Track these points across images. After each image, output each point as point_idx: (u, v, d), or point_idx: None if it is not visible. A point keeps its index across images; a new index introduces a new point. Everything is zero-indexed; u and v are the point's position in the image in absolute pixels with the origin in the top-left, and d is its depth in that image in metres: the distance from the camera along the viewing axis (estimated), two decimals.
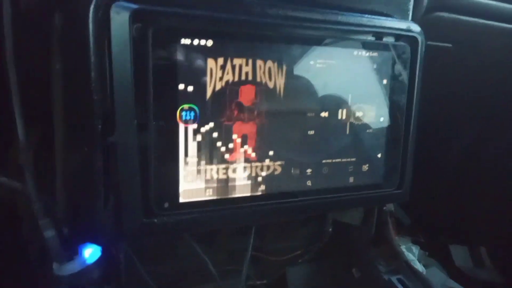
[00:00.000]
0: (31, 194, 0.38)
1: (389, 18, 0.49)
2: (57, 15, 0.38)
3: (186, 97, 0.38)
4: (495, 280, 1.08)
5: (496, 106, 0.98)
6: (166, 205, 0.38)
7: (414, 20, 0.57)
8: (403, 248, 0.89)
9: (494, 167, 1.08)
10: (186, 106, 0.38)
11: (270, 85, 0.41)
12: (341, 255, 0.58)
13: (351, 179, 0.47)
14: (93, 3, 0.34)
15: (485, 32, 0.72)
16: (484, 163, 1.10)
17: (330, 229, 0.55)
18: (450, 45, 0.74)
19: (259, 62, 0.40)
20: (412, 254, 0.89)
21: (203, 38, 0.37)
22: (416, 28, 0.49)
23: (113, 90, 0.35)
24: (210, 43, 0.38)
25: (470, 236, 1.14)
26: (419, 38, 0.49)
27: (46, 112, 0.40)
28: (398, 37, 0.48)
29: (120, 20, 0.34)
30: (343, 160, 0.47)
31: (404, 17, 0.55)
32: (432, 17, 0.65)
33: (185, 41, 0.37)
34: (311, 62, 0.43)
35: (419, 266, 0.85)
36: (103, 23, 0.34)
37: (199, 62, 0.38)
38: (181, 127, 0.38)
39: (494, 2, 0.68)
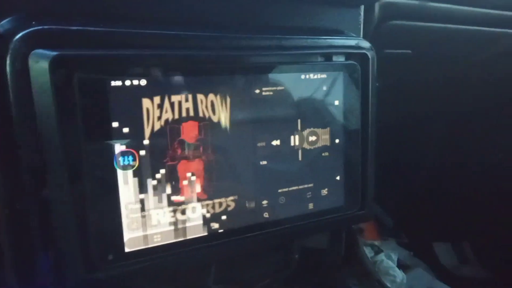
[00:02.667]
0: None
1: (337, 36, 0.48)
2: None
3: (122, 141, 0.35)
4: (480, 275, 1.09)
5: (463, 103, 0.99)
6: (110, 257, 0.36)
7: (367, 32, 0.57)
8: (382, 256, 0.89)
9: (469, 163, 1.09)
10: (123, 151, 0.36)
11: (214, 119, 0.39)
12: (313, 279, 0.57)
13: (311, 205, 0.46)
14: (9, 53, 0.32)
15: (443, 35, 0.72)
16: (459, 159, 1.11)
17: (297, 256, 0.54)
18: (409, 51, 0.74)
19: (200, 97, 0.38)
20: (391, 261, 0.88)
21: (135, 78, 0.35)
22: (365, 44, 0.48)
23: (41, 144, 0.32)
24: (143, 82, 0.36)
25: (453, 232, 1.14)
26: (369, 54, 0.48)
27: None
28: (347, 55, 0.47)
29: (39, 69, 0.31)
30: (300, 187, 0.45)
31: (355, 30, 0.54)
32: (387, 26, 0.64)
33: (116, 83, 0.35)
34: (257, 91, 0.41)
35: (399, 273, 0.84)
36: (23, 73, 0.32)
37: (133, 103, 0.36)
38: (120, 173, 0.36)
39: (446, 6, 0.68)
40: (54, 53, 0.31)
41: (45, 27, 0.32)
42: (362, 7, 0.54)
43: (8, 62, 0.31)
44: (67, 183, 0.34)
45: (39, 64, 0.31)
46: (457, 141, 1.10)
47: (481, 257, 1.11)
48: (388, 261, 0.88)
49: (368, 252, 0.90)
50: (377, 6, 0.58)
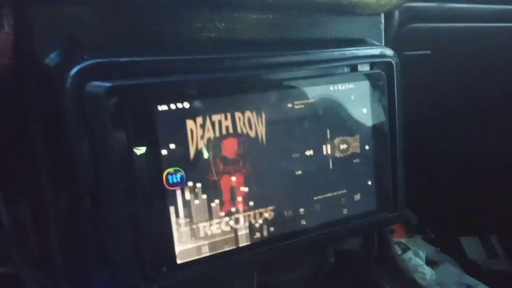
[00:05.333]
0: (25, 278, 0.38)
1: (360, 46, 0.50)
2: (34, 93, 0.38)
3: (170, 161, 0.38)
4: (509, 269, 1.08)
5: (487, 98, 0.99)
6: (164, 269, 0.39)
7: (388, 36, 0.58)
8: (410, 254, 0.90)
9: (494, 156, 1.09)
10: (171, 170, 0.38)
11: (252, 134, 0.42)
12: (348, 280, 0.58)
13: (345, 211, 0.48)
14: (68, 85, 0.35)
15: (461, 34, 0.73)
16: (484, 153, 1.11)
17: (332, 259, 0.56)
18: (429, 51, 0.75)
19: (237, 115, 0.41)
20: (419, 258, 0.89)
21: (179, 101, 0.38)
22: (389, 52, 0.50)
23: (97, 166, 0.35)
24: (187, 105, 0.38)
25: (480, 226, 1.14)
26: (393, 62, 0.49)
27: (35, 190, 0.41)
28: (372, 64, 0.49)
29: (95, 99, 0.34)
30: (334, 193, 0.47)
31: (377, 36, 0.56)
32: (406, 29, 0.66)
33: (162, 107, 0.37)
34: (289, 105, 0.43)
35: (428, 270, 0.85)
36: (80, 102, 0.35)
37: (178, 125, 0.38)
38: (169, 190, 0.38)
39: (465, 5, 0.69)
40: (108, 84, 0.34)
41: (98, 60, 0.35)
42: (383, 14, 0.56)
43: (65, 93, 0.34)
44: (121, 202, 0.36)
45: (95, 95, 0.34)
46: (482, 135, 1.10)
47: (510, 251, 1.10)
48: (416, 258, 0.88)
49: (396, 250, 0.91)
50: (397, 11, 0.59)
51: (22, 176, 0.41)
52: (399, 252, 0.93)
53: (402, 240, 1.05)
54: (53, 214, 0.40)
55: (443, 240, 1.14)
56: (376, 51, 0.49)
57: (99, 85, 0.34)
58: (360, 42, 0.52)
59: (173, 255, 0.39)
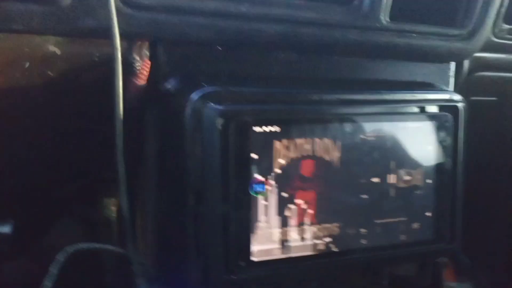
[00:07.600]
0: (132, 257, 0.47)
1: (431, 90, 0.55)
2: (153, 111, 0.49)
3: (257, 173, 0.46)
4: None
5: None
6: (243, 263, 0.46)
7: (457, 83, 0.63)
8: None
9: None
10: (257, 181, 0.46)
11: (327, 158, 0.49)
12: None
13: (403, 237, 0.52)
14: (190, 105, 0.44)
15: None
16: None
17: (387, 282, 0.60)
18: (495, 98, 0.77)
19: (317, 140, 0.48)
20: None
21: (272, 125, 0.46)
22: (457, 97, 0.55)
23: (205, 172, 0.44)
24: (277, 129, 0.46)
25: None
26: (461, 107, 0.54)
27: (150, 190, 0.51)
28: (440, 107, 0.54)
29: (211, 118, 0.43)
30: (394, 219, 0.52)
31: (445, 82, 0.61)
32: (475, 77, 0.69)
33: (258, 129, 0.45)
34: (362, 136, 0.50)
35: None
36: (196, 120, 0.44)
37: (268, 144, 0.46)
38: (254, 198, 0.46)
39: None
40: (221, 107, 0.43)
41: (215, 88, 0.44)
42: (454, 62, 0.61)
43: (188, 112, 0.44)
44: (218, 203, 0.45)
45: (211, 115, 0.43)
46: None
47: None
48: None
49: None
50: (467, 61, 0.64)
51: (141, 177, 0.51)
52: None
53: (452, 284, 1.03)
54: (159, 209, 0.50)
55: None
56: (444, 95, 0.55)
57: (214, 107, 0.43)
58: (428, 86, 0.58)
59: (250, 253, 0.46)
